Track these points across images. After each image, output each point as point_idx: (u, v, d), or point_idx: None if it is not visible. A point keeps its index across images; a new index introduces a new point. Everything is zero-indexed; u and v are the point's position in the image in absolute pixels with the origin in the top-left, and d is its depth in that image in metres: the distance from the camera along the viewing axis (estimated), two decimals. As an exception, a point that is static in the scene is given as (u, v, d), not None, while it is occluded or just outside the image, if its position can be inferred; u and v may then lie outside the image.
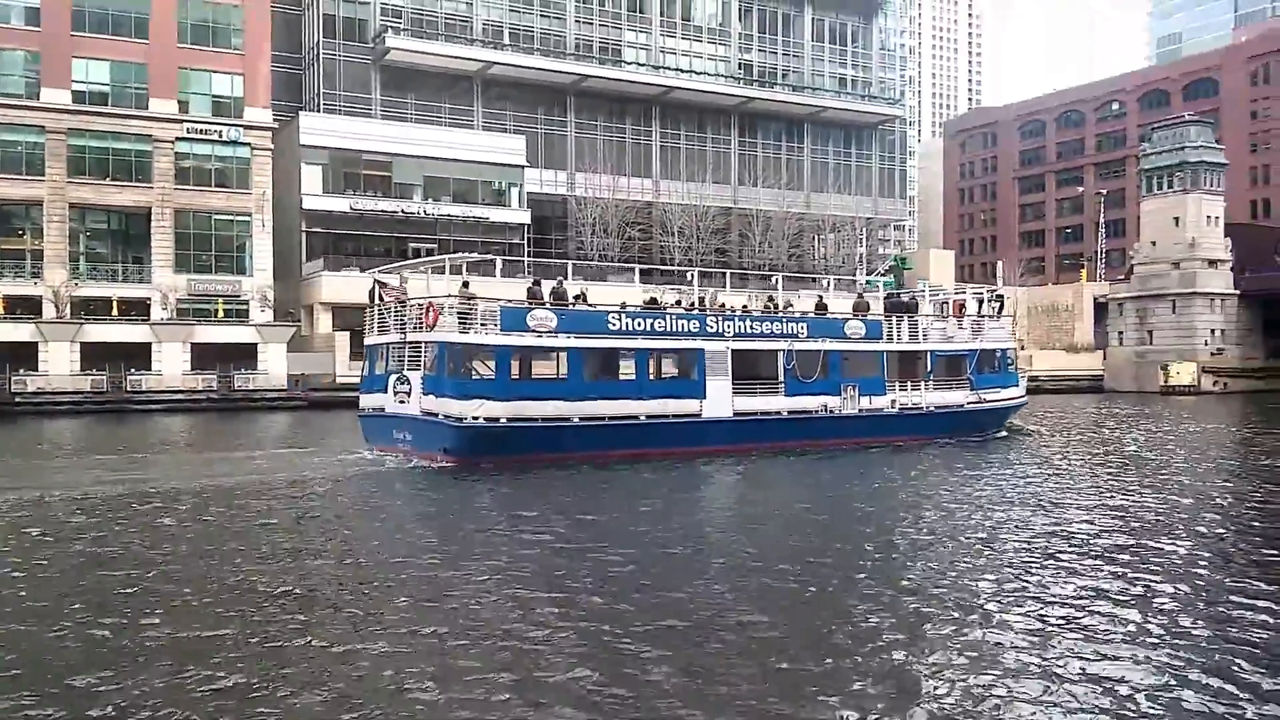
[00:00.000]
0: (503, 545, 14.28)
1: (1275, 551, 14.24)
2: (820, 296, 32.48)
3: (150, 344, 50.61)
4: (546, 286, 28.95)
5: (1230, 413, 48.29)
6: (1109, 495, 19.55)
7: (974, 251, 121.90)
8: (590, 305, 27.99)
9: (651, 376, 26.62)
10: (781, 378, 27.68)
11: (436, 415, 23.21)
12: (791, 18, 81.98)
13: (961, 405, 31.27)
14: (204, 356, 50.97)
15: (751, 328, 28.01)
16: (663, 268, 68.45)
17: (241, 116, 55.79)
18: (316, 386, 50.70)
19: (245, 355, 51.91)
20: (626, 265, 68.66)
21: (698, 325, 27.02)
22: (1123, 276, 78.45)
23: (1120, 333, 74.31)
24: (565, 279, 27.04)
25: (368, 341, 27.04)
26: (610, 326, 25.81)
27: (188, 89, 55.11)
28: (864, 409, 28.99)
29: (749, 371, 27.28)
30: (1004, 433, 32.97)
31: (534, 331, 24.45)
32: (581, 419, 24.35)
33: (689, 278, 28.78)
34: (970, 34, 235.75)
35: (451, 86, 69.65)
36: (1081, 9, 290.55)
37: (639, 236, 72.08)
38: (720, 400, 26.50)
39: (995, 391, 32.35)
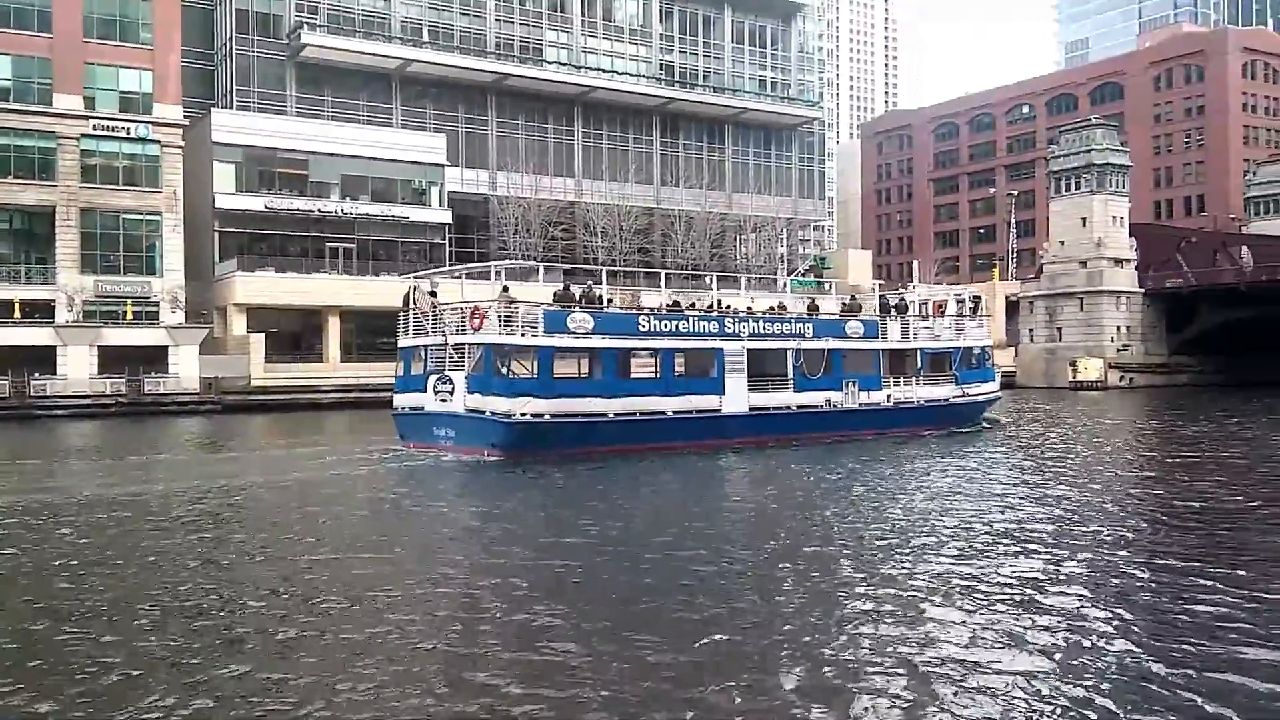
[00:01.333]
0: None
1: (1204, 536, 14.87)
2: (812, 299, 35.24)
3: (55, 347, 48.88)
4: (573, 289, 29.97)
5: (1140, 406, 50.10)
6: (1081, 484, 20.70)
7: (891, 251, 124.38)
8: (621, 308, 29.51)
9: (676, 374, 28.19)
10: (791, 375, 29.74)
11: (483, 413, 24.69)
12: (712, 19, 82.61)
13: (948, 399, 33.90)
14: (112, 360, 49.35)
15: (764, 328, 30.09)
16: (587, 267, 68.33)
17: (150, 113, 54.17)
18: (231, 390, 49.58)
19: (155, 358, 50.44)
20: (551, 265, 68.44)
21: (717, 326, 29.02)
22: (1033, 275, 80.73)
23: (1031, 330, 76.46)
24: (599, 284, 29.12)
25: (401, 344, 28.56)
26: (640, 328, 27.52)
27: (94, 84, 53.32)
28: (863, 403, 31.28)
29: (762, 369, 29.24)
30: (985, 424, 35.73)
31: (573, 333, 25.96)
32: (615, 415, 26.07)
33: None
34: (886, 38, 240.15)
35: (369, 84, 68.69)
36: (993, 15, 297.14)
37: (562, 236, 71.94)
38: (737, 396, 28.45)
39: (976, 386, 35.21)
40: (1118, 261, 73.01)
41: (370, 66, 67.84)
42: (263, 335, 53.05)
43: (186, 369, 50.49)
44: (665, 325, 28.02)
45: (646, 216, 77.00)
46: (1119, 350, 71.57)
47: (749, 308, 33.14)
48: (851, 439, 29.89)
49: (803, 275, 73.67)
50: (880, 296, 35.85)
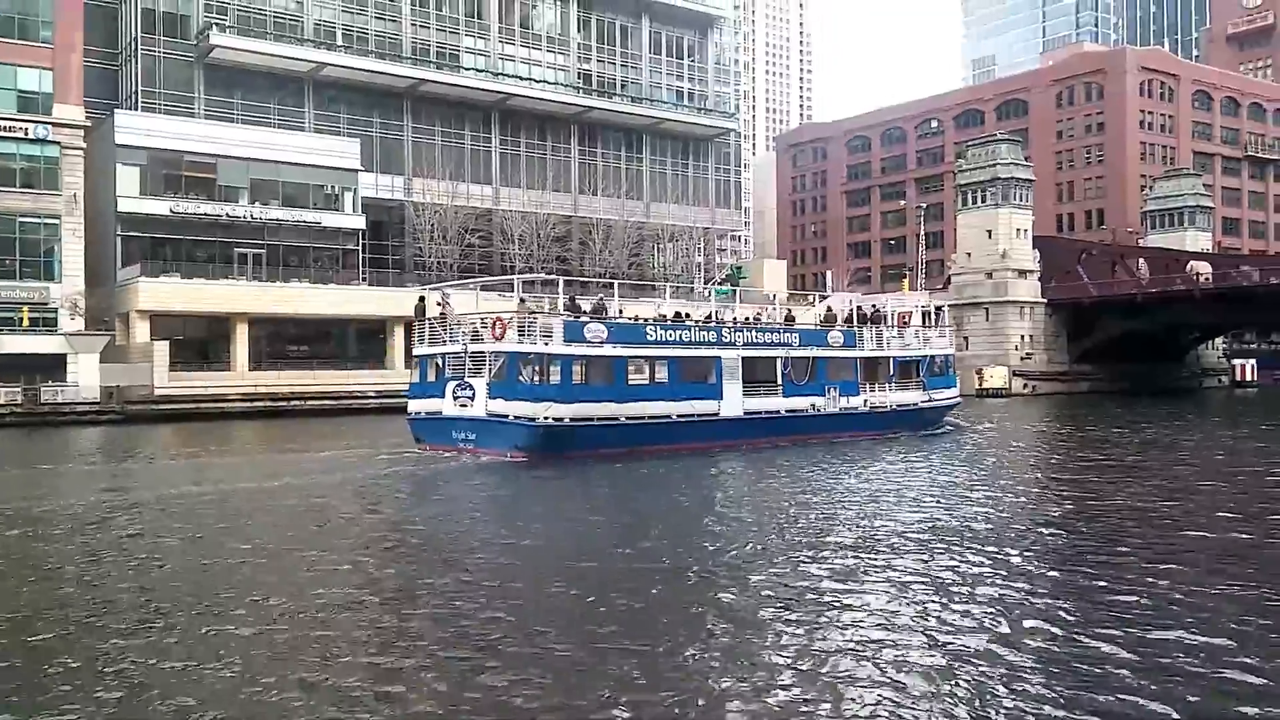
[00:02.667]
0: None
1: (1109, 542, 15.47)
2: (788, 310, 38.12)
3: (-55, 355, 46.89)
4: (578, 302, 31.40)
5: (1048, 413, 51.78)
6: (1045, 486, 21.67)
7: (806, 262, 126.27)
8: (630, 318, 31.57)
9: (681, 381, 29.85)
10: (780, 381, 32.04)
11: (506, 416, 26.46)
12: (630, 30, 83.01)
13: (917, 404, 36.57)
14: (6, 368, 47.43)
15: (756, 338, 32.18)
16: (504, 277, 68.05)
17: (50, 113, 52.38)
18: (133, 399, 48.09)
19: (53, 367, 48.65)
20: (468, 274, 68.02)
21: (715, 336, 30.97)
22: (941, 286, 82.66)
23: (940, 339, 78.21)
24: (609, 296, 31.83)
25: (417, 352, 30.23)
26: (648, 337, 29.49)
27: (-11, 83, 51.43)
28: (843, 408, 33.75)
29: (755, 376, 31.36)
30: (949, 427, 38.39)
31: (589, 342, 27.65)
32: (627, 418, 28.02)
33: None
34: (801, 52, 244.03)
35: (281, 87, 67.42)
36: (904, 31, 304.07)
37: (479, 244, 71.44)
38: (734, 401, 30.57)
39: (941, 392, 38.15)
40: (1022, 273, 75.29)
41: (282, 69, 66.62)
42: (167, 343, 51.53)
43: (86, 378, 48.79)
44: (670, 335, 30.02)
45: (565, 224, 76.95)
46: (1023, 359, 73.78)
47: (748, 318, 35.44)
48: (833, 440, 32.01)
49: (719, 284, 74.50)
50: (857, 307, 37.93)
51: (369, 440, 33.92)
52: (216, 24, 63.64)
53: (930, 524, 16.44)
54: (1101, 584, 12.01)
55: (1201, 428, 41.32)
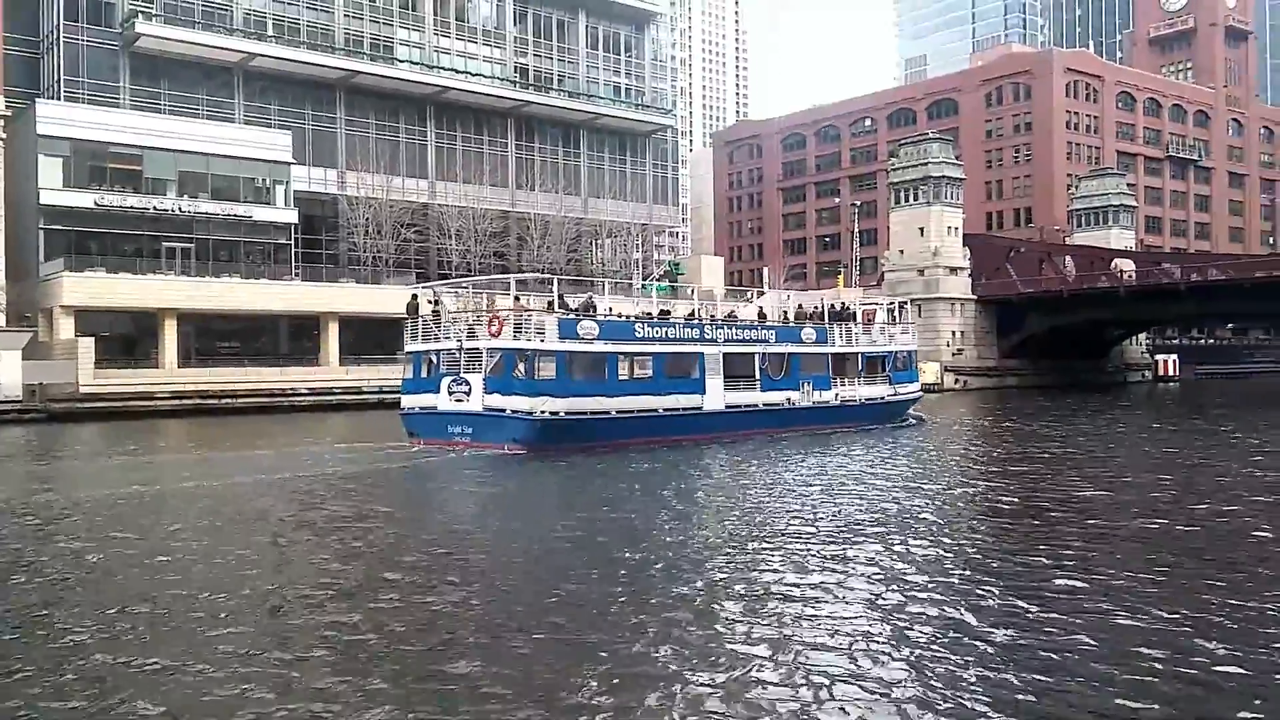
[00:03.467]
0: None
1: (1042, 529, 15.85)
2: (760, 308, 39.38)
3: None
4: (571, 300, 32.43)
5: (983, 407, 52.98)
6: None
7: (743, 258, 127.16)
8: (618, 315, 32.49)
9: (667, 376, 30.95)
10: (758, 376, 33.20)
11: (504, 411, 27.34)
12: (566, 24, 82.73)
13: (884, 397, 38.19)
14: (-78, 365, 45.88)
15: (737, 334, 33.39)
16: (442, 273, 67.64)
17: (-34, 101, 50.75)
18: (57, 397, 46.73)
19: (-28, 364, 47.12)
20: (402, 267, 67.38)
21: (698, 332, 32.13)
22: (875, 282, 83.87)
23: (874, 335, 79.34)
24: (597, 294, 32.93)
25: (410, 349, 30.97)
26: (637, 334, 30.70)
27: (-100, 68, 49.62)
28: (816, 401, 35.14)
29: (735, 371, 32.47)
30: (913, 420, 39.97)
31: (582, 339, 28.61)
32: (618, 412, 29.00)
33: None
34: (738, 49, 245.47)
35: (210, 78, 65.99)
36: (839, 29, 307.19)
37: (415, 238, 70.70)
38: (716, 395, 31.73)
39: (905, 386, 39.88)
40: (953, 270, 76.68)
41: (211, 59, 65.23)
42: (92, 339, 50.10)
43: (8, 375, 47.21)
44: (657, 332, 31.21)
45: (502, 220, 76.51)
46: (954, 354, 75.17)
47: (730, 313, 36.73)
48: (807, 433, 33.40)
49: (658, 280, 74.75)
50: (830, 305, 39.37)
51: (333, 437, 33.58)
52: (143, 12, 62.04)
53: (901, 512, 17.28)
54: (1048, 566, 12.57)
55: (1127, 421, 42.68)
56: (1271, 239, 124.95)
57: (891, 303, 42.89)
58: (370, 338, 57.95)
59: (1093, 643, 9.46)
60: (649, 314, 33.74)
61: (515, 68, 79.52)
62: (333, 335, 57.48)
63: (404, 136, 74.62)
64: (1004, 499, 19.88)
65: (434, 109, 75.67)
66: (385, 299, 54.09)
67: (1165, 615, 10.43)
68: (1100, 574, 12.35)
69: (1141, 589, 11.59)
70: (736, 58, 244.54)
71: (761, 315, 38.11)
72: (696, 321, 33.03)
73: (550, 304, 30.03)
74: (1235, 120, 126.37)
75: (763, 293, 51.10)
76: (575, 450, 27.11)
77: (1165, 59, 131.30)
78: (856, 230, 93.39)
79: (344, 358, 57.15)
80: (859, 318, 39.65)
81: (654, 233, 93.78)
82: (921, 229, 76.77)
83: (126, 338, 55.41)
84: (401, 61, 73.38)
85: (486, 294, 33.71)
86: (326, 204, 70.35)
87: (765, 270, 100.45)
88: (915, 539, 14.86)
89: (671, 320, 32.94)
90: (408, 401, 30.40)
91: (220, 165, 60.01)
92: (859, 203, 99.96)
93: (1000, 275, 77.80)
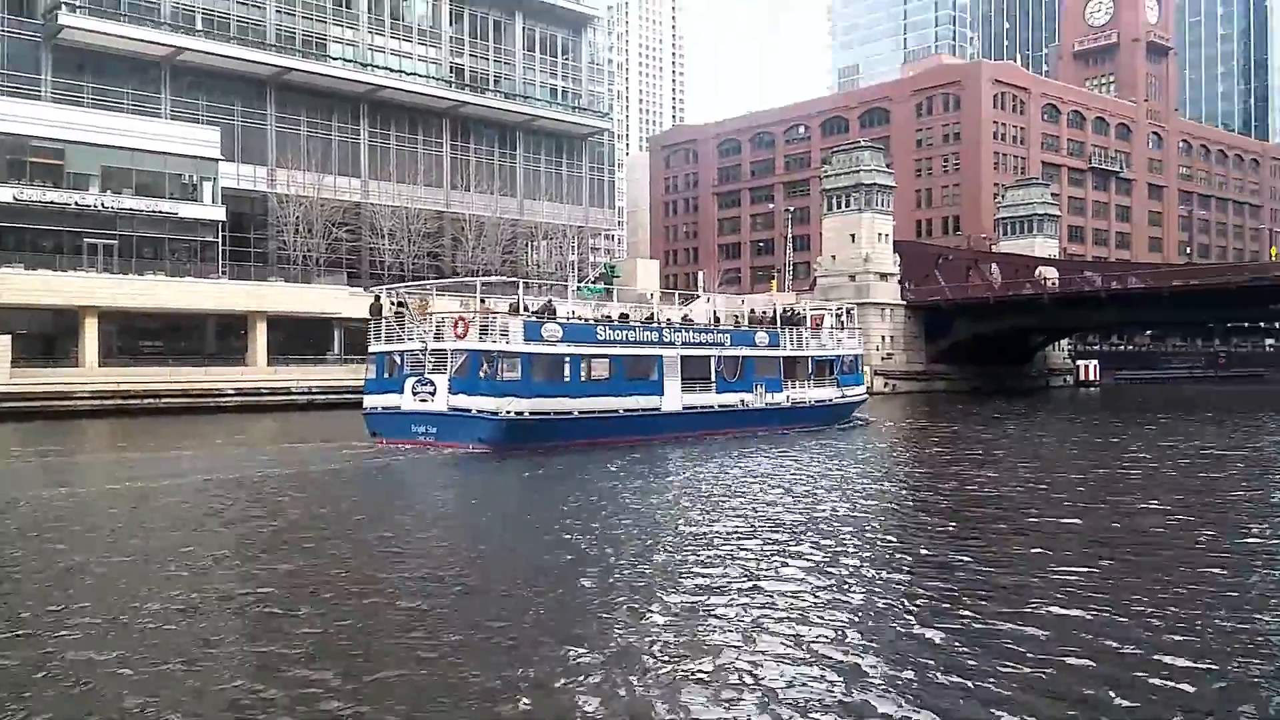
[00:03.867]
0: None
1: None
2: (713, 311, 40.55)
3: None
4: (528, 303, 32.61)
5: (915, 410, 53.95)
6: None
7: (679, 262, 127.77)
8: (582, 319, 33.14)
9: (626, 378, 31.58)
10: (714, 378, 34.16)
11: (469, 411, 27.74)
12: (503, 25, 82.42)
13: (831, 400, 39.63)
14: None
15: (693, 338, 34.24)
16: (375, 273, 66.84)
17: (-124, 90, 48.92)
18: (-28, 396, 45.22)
19: (-120, 362, 45.41)
20: (333, 267, 66.48)
21: (657, 335, 32.87)
22: (808, 288, 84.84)
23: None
24: (557, 298, 33.86)
25: (374, 349, 31.24)
26: (599, 337, 31.24)
27: None
28: (768, 403, 36.26)
29: (692, 373, 33.42)
30: (859, 421, 41.39)
31: (547, 341, 29.14)
32: (580, 413, 29.68)
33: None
34: (674, 53, 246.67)
35: (136, 72, 64.46)
36: (775, 37, 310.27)
37: (347, 238, 69.83)
38: (673, 397, 32.67)
39: (852, 388, 41.36)
40: (883, 276, 77.94)
41: (137, 53, 63.75)
42: (9, 337, 48.54)
43: (-82, 374, 45.67)
44: (617, 334, 31.82)
45: (436, 220, 75.92)
46: (884, 359, 76.37)
47: (684, 316, 37.80)
48: (759, 433, 34.46)
49: (593, 283, 74.78)
50: (783, 310, 40.69)
51: (267, 439, 32.82)
52: (66, 3, 60.43)
53: (853, 510, 18.04)
54: (985, 564, 12.98)
55: (1049, 424, 44.00)
56: (1189, 249, 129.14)
57: (839, 309, 44.41)
58: (300, 338, 57.08)
59: (1029, 633, 9.81)
60: (609, 316, 34.27)
61: (451, 68, 79.01)
62: (261, 335, 56.47)
63: (336, 135, 73.67)
64: (944, 497, 20.62)
65: (368, 107, 74.84)
66: (316, 298, 53.43)
67: (1097, 606, 10.84)
68: (1036, 571, 12.74)
69: (1077, 582, 12.04)
70: (673, 63, 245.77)
71: (686, 319, 38.55)
72: (656, 325, 33.87)
73: (513, 306, 30.36)
74: (1155, 133, 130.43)
75: (696, 297, 51.65)
76: (539, 450, 27.64)
77: (1089, 72, 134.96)
78: (790, 236, 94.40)
79: (272, 358, 56.15)
80: (808, 323, 40.84)
81: (590, 235, 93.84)
82: (853, 235, 77.89)
83: (46, 336, 53.84)
84: (335, 59, 72.47)
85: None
86: (256, 201, 69.14)
87: (700, 274, 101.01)
88: (865, 537, 15.37)
89: (631, 324, 33.56)
90: (370, 401, 30.76)
91: (146, 161, 58.60)
92: (793, 209, 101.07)
93: (929, 282, 79.25)
